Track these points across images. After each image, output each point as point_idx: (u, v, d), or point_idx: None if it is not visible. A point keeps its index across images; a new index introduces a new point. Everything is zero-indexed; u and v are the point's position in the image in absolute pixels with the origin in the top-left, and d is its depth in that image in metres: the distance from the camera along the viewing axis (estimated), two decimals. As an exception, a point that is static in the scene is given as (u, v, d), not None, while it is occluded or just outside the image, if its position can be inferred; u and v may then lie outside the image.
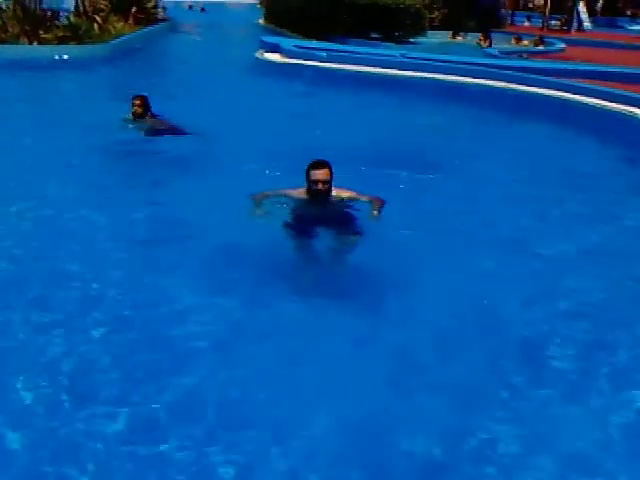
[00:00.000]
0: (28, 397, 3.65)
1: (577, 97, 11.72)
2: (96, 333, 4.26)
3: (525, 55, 20.08)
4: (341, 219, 5.81)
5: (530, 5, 44.94)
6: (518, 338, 4.45)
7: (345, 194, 5.84)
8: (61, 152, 8.28)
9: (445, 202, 6.97)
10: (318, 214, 5.77)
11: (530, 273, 5.44)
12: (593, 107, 11.18)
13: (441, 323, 4.56)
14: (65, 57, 16.14)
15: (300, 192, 5.77)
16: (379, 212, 5.84)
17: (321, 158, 5.64)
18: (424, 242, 5.82)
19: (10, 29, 17.36)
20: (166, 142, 8.73)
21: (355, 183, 6.08)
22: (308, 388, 3.82)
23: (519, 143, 10.00)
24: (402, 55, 15.81)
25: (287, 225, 5.69)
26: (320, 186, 5.53)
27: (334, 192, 5.72)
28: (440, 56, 16.02)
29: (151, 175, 7.49)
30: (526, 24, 33.68)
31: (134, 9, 23.45)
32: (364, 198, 5.94)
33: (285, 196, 5.89)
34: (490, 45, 21.98)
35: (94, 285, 4.89)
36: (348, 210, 5.86)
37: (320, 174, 5.53)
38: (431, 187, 7.47)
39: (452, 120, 11.37)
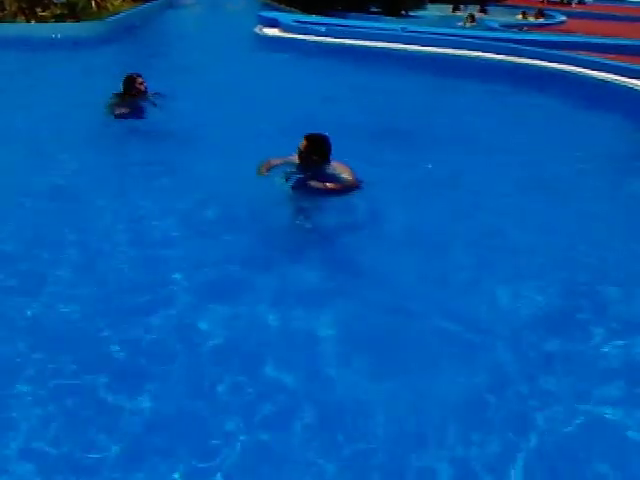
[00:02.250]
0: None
1: (578, 69, 11.70)
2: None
3: (525, 28, 19.97)
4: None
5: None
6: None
7: (339, 169, 6.09)
8: (57, 129, 8.25)
9: (448, 178, 6.97)
10: (306, 178, 6.09)
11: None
12: (594, 79, 11.19)
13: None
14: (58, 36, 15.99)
15: (295, 158, 6.17)
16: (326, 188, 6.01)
17: (316, 132, 6.02)
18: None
19: (7, 7, 17.25)
20: (161, 117, 8.70)
21: (351, 156, 6.23)
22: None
23: (517, 115, 9.99)
24: (402, 29, 15.73)
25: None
26: (298, 151, 6.01)
27: (333, 164, 6.05)
28: (440, 29, 15.96)
29: (149, 152, 7.50)
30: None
31: (131, -15, 23.27)
32: (346, 179, 6.09)
33: (287, 162, 6.23)
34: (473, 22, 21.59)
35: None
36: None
37: (301, 143, 5.99)
38: (427, 158, 7.46)
39: (452, 93, 11.34)
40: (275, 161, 6.31)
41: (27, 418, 3.32)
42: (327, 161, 6.05)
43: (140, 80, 9.10)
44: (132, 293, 4.49)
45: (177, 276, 4.67)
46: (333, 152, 6.05)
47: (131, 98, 8.97)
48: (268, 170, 6.25)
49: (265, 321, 4.18)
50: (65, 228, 5.38)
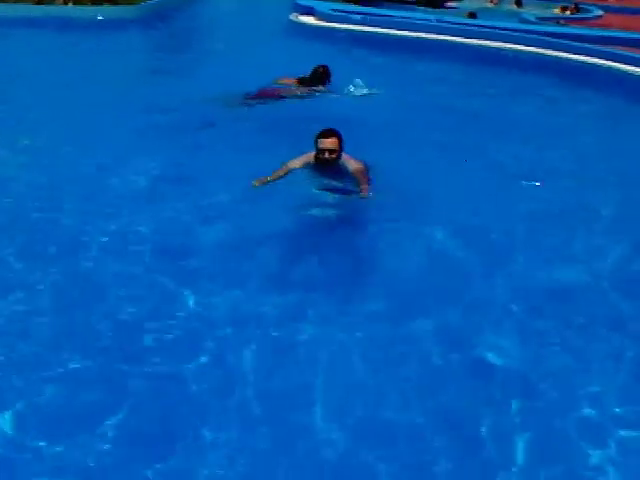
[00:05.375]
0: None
1: (615, 64, 11.59)
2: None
3: (562, 22, 19.78)
4: (344, 186, 5.84)
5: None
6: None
7: (352, 164, 5.86)
8: (96, 109, 8.42)
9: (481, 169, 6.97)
10: (323, 180, 5.85)
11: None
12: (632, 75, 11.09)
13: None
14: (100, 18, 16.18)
15: (307, 158, 5.88)
16: (366, 191, 5.75)
17: (330, 127, 5.76)
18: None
19: (46, -10, 17.43)
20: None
21: (374, 149, 6.25)
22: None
23: (552, 109, 9.95)
24: (437, 20, 15.68)
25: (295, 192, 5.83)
26: (327, 155, 5.65)
27: (343, 158, 5.80)
28: (475, 21, 15.88)
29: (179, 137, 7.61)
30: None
31: (167, -30, 23.33)
32: (357, 175, 5.85)
33: (290, 169, 5.91)
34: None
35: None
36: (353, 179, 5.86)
37: (327, 142, 5.65)
38: (466, 152, 7.46)
39: (486, 85, 11.30)
40: (294, 163, 5.97)
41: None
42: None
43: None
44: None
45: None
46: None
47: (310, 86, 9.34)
48: (285, 174, 5.91)
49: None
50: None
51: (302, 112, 8.56)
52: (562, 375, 3.89)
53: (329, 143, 5.64)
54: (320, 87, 9.45)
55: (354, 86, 9.50)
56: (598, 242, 5.53)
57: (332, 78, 9.57)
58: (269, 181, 5.84)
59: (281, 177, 5.87)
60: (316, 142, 5.70)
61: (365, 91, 9.44)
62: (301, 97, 9.22)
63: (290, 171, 5.90)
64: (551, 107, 10.09)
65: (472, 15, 18.97)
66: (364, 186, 5.78)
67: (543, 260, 5.15)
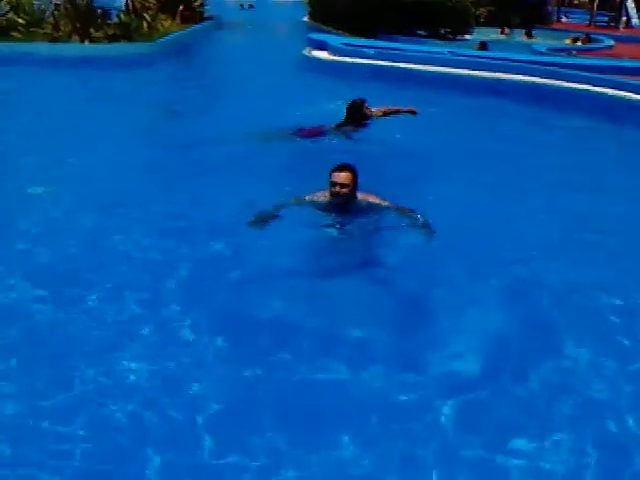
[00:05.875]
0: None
1: (630, 95, 11.62)
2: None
3: (574, 52, 19.88)
4: (362, 224, 5.72)
5: (575, 1, 44.36)
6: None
7: (371, 199, 5.74)
8: (115, 144, 8.55)
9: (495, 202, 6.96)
10: (338, 217, 5.72)
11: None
12: None
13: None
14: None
15: (322, 195, 5.74)
16: (428, 229, 5.58)
17: (347, 162, 5.64)
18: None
19: (62, 28, 17.71)
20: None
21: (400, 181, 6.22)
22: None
23: (566, 141, 9.95)
24: (450, 52, 15.78)
25: (309, 228, 5.70)
26: (338, 189, 5.51)
27: (359, 197, 5.69)
28: (487, 53, 15.98)
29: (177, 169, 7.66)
30: (563, 20, 33.17)
31: (181, 7, 23.69)
32: (391, 206, 5.76)
33: (307, 201, 5.81)
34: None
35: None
36: (372, 217, 5.75)
37: (340, 177, 5.52)
38: (479, 185, 7.45)
39: (500, 117, 11.34)
40: (308, 197, 5.83)
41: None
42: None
43: (366, 105, 9.32)
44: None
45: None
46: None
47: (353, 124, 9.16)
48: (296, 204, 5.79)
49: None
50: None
51: (346, 147, 8.55)
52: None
53: (341, 177, 5.52)
54: (361, 122, 9.31)
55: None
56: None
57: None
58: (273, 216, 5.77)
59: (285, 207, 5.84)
60: (330, 176, 5.59)
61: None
62: (344, 133, 9.10)
63: (302, 203, 5.82)
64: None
65: (483, 45, 19.07)
66: (405, 211, 5.73)
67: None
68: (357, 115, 9.26)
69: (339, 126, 9.19)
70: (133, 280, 5.08)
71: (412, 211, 5.74)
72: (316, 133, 9.02)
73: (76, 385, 3.81)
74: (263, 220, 5.66)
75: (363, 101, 9.38)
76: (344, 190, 5.52)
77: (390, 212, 5.76)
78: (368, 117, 9.31)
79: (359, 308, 4.77)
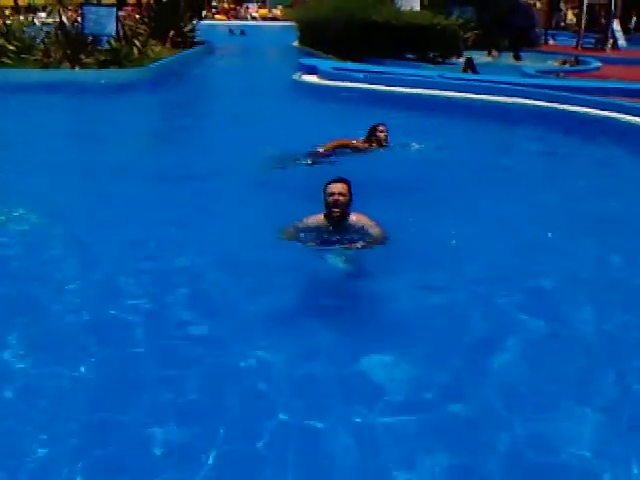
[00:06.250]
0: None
1: (618, 115, 11.70)
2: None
3: (562, 74, 20.02)
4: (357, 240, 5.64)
5: (562, 24, 44.78)
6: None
7: (363, 220, 5.69)
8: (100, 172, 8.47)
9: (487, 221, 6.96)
10: (334, 237, 5.66)
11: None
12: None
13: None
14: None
15: (318, 217, 5.71)
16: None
17: (335, 178, 5.63)
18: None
19: (53, 54, 17.80)
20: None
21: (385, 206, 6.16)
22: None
23: (555, 163, 10.00)
24: (440, 75, 15.89)
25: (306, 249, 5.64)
26: (336, 197, 5.48)
27: (353, 217, 5.65)
28: (477, 76, 16.10)
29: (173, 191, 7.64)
30: (550, 42, 33.44)
31: (172, 33, 23.85)
32: (382, 232, 5.71)
33: (306, 224, 5.76)
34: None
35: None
36: (364, 237, 5.68)
37: (337, 187, 5.51)
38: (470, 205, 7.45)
39: (491, 139, 11.40)
40: (302, 224, 5.77)
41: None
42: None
43: (381, 128, 9.45)
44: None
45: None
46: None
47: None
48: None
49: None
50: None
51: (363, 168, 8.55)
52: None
53: (339, 187, 5.50)
54: (376, 146, 9.44)
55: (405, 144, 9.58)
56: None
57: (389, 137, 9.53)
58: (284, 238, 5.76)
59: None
60: (324, 191, 5.57)
61: (417, 146, 9.52)
62: (358, 154, 9.20)
63: (300, 229, 5.76)
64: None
65: (469, 61, 19.13)
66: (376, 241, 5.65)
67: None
68: (370, 137, 9.48)
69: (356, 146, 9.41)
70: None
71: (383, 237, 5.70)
72: (327, 154, 9.12)
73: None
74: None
75: (378, 124, 9.53)
76: (342, 199, 5.49)
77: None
78: (380, 141, 9.45)
79: (356, 331, 4.71)
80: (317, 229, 5.72)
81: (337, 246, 5.62)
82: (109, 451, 3.45)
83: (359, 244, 5.59)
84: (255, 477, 3.33)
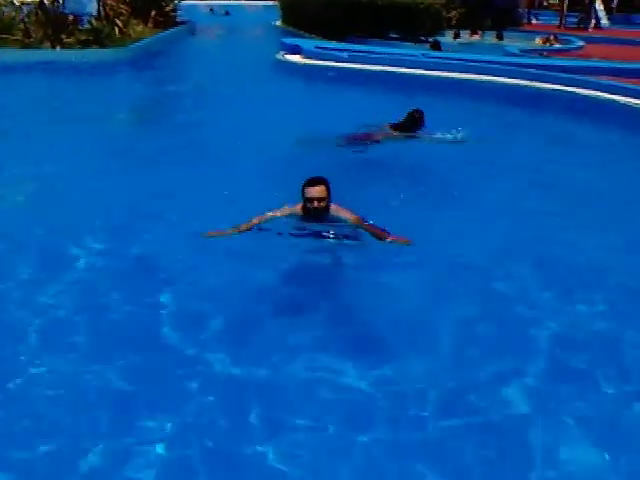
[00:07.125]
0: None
1: (599, 94, 11.77)
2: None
3: (545, 53, 20.07)
4: (335, 236, 5.58)
5: (545, 3, 44.73)
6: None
7: (344, 214, 5.55)
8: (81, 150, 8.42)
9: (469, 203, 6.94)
10: (312, 231, 5.57)
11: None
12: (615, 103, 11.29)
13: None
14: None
15: (294, 209, 5.57)
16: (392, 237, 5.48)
17: (318, 175, 5.46)
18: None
19: (33, 34, 17.60)
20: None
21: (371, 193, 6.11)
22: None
23: (537, 140, 10.02)
24: (423, 55, 15.88)
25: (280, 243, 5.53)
26: (315, 204, 5.37)
27: (332, 210, 5.51)
28: (461, 55, 16.09)
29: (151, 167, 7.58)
30: (534, 22, 33.45)
31: (153, 12, 23.61)
32: (362, 224, 5.58)
33: (274, 218, 5.60)
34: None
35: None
36: (344, 230, 5.59)
37: (315, 191, 5.35)
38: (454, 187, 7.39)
39: (475, 119, 11.39)
40: (275, 212, 5.59)
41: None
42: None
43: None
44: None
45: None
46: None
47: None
48: (249, 229, 5.55)
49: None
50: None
51: (399, 156, 8.49)
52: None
53: (316, 192, 5.34)
54: (415, 132, 9.34)
55: (446, 132, 9.37)
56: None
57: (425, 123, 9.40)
58: (230, 233, 5.57)
59: (251, 227, 5.59)
60: (303, 191, 5.40)
61: (459, 136, 9.26)
62: (395, 141, 9.10)
63: (267, 220, 5.60)
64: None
65: (436, 43, 19.16)
66: (383, 234, 5.52)
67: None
68: (414, 125, 9.35)
69: (395, 129, 9.30)
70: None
71: (385, 231, 5.56)
72: (366, 138, 9.05)
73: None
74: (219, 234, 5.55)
75: (421, 113, 9.40)
76: (322, 204, 5.39)
77: (359, 229, 5.61)
78: (419, 128, 9.37)
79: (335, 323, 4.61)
80: (294, 220, 5.63)
81: (316, 236, 5.56)
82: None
83: (339, 234, 5.54)
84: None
